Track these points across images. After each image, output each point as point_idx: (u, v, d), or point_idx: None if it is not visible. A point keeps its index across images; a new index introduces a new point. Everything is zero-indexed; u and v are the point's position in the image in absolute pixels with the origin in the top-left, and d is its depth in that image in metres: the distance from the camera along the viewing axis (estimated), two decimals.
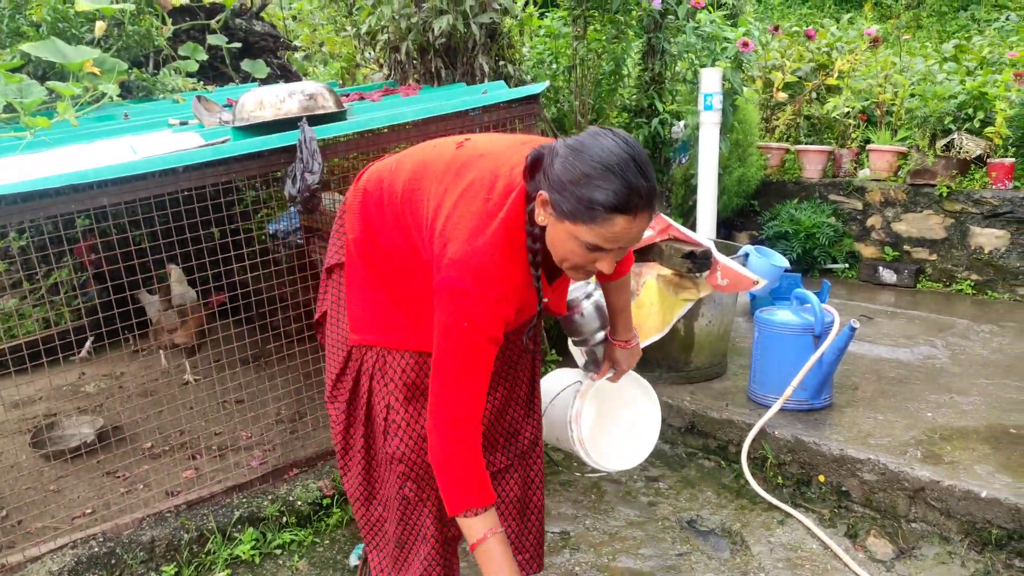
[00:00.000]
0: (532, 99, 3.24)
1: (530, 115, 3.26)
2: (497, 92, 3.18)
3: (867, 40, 5.14)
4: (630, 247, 1.54)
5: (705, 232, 4.55)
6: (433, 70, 3.75)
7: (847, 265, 5.08)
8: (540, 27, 5.13)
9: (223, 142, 2.56)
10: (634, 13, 4.54)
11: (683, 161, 5.21)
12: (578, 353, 2.42)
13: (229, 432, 3.09)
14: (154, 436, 3.12)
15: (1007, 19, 7.12)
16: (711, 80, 4.45)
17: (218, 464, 2.85)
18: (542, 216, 1.51)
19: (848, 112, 5.24)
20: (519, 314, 1.66)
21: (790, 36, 5.69)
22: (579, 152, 1.45)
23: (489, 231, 1.54)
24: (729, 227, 5.43)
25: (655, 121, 4.61)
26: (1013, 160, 4.56)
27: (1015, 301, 4.51)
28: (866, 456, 2.70)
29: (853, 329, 2.87)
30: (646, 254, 3.28)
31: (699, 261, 3.07)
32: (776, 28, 4.76)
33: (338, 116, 2.84)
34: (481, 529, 1.60)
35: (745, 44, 4.44)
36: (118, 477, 2.84)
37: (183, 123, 2.97)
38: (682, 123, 5.07)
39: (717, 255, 3.08)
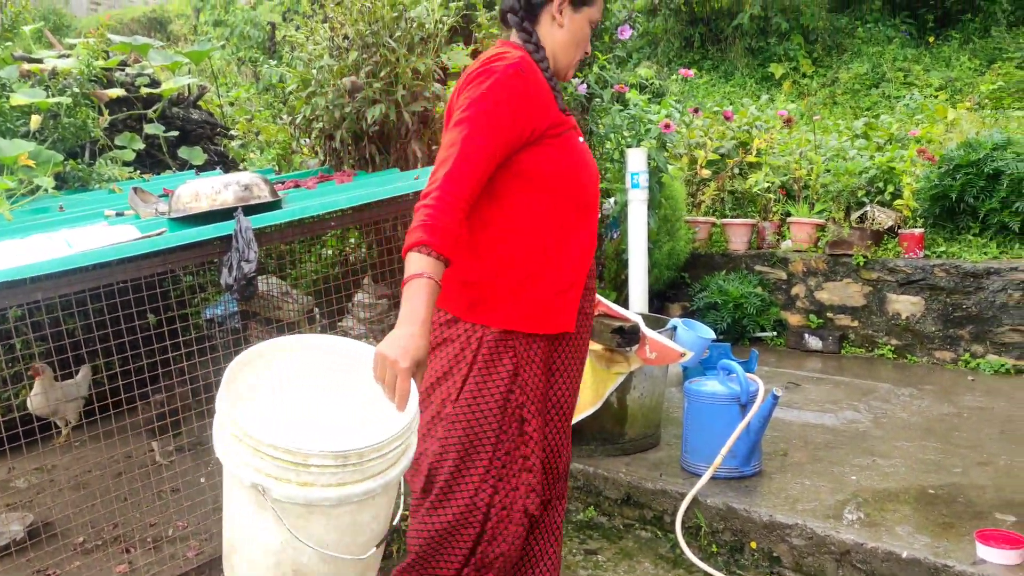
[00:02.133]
0: None
1: None
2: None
3: (781, 120, 5.45)
4: None
5: (637, 305, 4.70)
6: (367, 156, 3.87)
7: (775, 333, 5.27)
8: None
9: (159, 234, 2.61)
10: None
11: (614, 236, 5.39)
12: None
13: (164, 523, 3.05)
14: (86, 530, 3.06)
15: (911, 97, 7.60)
16: (637, 159, 4.67)
17: (152, 556, 2.80)
18: (561, 17, 1.89)
19: (768, 187, 5.52)
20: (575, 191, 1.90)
21: (711, 116, 6.00)
22: None
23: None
24: (662, 299, 5.60)
25: None
26: (922, 230, 4.84)
27: (933, 364, 4.73)
28: (794, 521, 2.80)
29: (776, 397, 3.00)
30: None
31: (628, 336, 3.18)
32: (696, 110, 5.04)
33: (273, 205, 2.92)
34: (420, 268, 1.61)
35: (667, 126, 4.67)
36: (48, 575, 2.77)
37: (119, 214, 3.01)
38: (612, 200, 5.26)
39: (645, 329, 3.20)
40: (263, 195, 2.86)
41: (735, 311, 5.13)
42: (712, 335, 3.52)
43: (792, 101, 9.80)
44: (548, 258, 1.90)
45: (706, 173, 5.61)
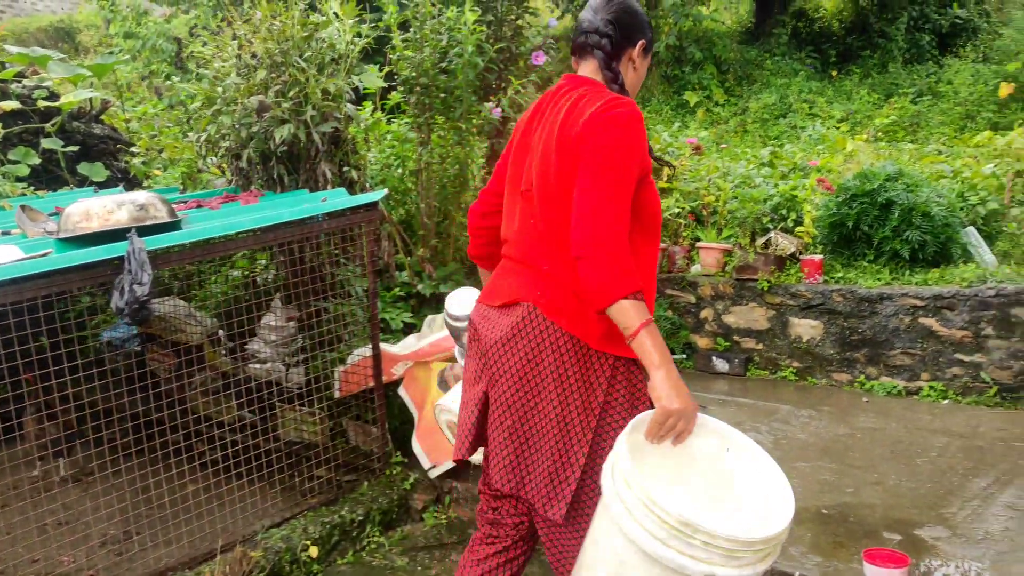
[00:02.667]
0: (372, 206, 3.35)
1: (370, 220, 3.35)
2: (337, 200, 3.26)
3: (691, 147, 5.60)
4: None
5: None
6: (276, 176, 3.80)
7: (684, 356, 5.38)
8: (387, 132, 5.30)
9: (44, 255, 2.50)
10: (475, 121, 4.78)
11: None
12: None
13: (48, 558, 2.90)
14: None
15: (814, 128, 7.91)
16: None
17: None
18: (638, 61, 2.04)
19: (679, 212, 5.64)
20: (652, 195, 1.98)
21: None
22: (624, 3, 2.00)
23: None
24: None
25: None
26: (822, 257, 5.02)
27: (831, 386, 4.90)
28: None
29: None
30: None
31: None
32: None
33: (172, 226, 2.84)
34: (642, 314, 1.74)
35: None
36: None
37: (4, 233, 2.88)
38: None
39: None
40: (160, 215, 2.78)
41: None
42: None
43: (705, 128, 10.09)
44: (649, 291, 1.96)
45: None
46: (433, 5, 4.45)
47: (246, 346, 4.02)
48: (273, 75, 3.64)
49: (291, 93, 3.58)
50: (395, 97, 5.01)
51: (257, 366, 3.97)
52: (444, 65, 4.68)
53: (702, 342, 5.39)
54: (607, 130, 1.82)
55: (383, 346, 3.52)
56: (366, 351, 3.46)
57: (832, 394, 4.73)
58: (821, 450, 3.79)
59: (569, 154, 1.87)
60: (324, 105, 3.67)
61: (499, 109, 4.75)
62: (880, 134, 8.98)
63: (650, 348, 1.73)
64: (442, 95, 4.71)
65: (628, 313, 1.73)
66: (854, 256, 5.12)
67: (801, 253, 5.13)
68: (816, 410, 4.40)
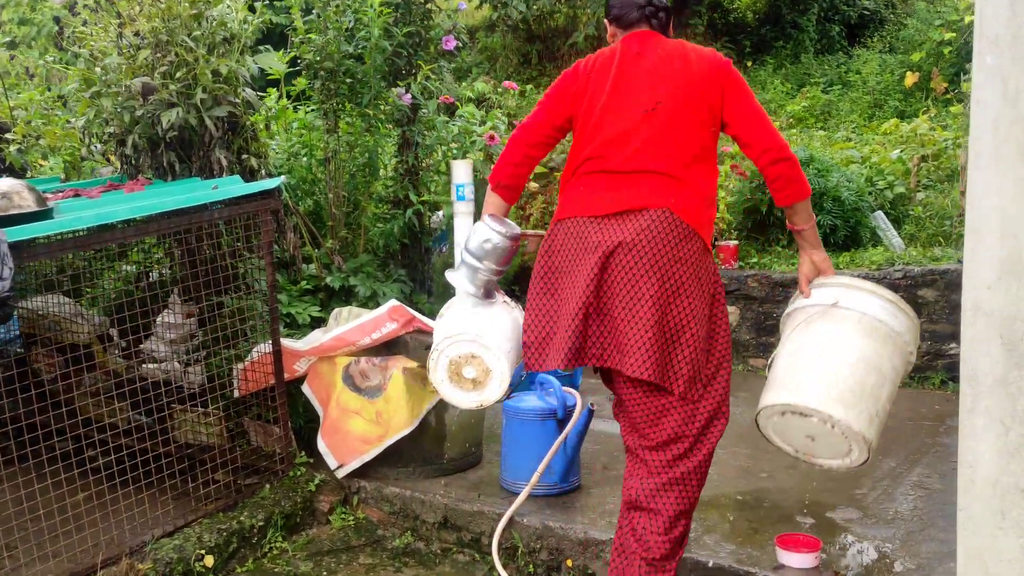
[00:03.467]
0: (269, 194, 3.16)
1: (268, 210, 3.16)
2: (229, 188, 3.07)
3: None
4: None
5: None
6: (166, 164, 3.57)
7: None
8: (294, 120, 5.09)
9: None
10: (384, 108, 4.61)
11: (443, 250, 5.28)
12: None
13: None
14: None
15: None
16: (462, 171, 4.58)
17: None
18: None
19: None
20: None
21: None
22: None
23: None
24: None
25: (408, 212, 4.66)
26: (736, 243, 5.02)
27: (747, 371, 4.91)
28: (608, 536, 2.76)
29: (591, 411, 2.97)
30: (391, 347, 3.24)
31: None
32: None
33: (40, 215, 2.61)
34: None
35: (492, 138, 4.62)
36: None
37: None
38: (439, 213, 5.16)
39: None
40: (26, 204, 2.55)
41: None
42: None
43: None
44: None
45: (534, 186, 5.62)
46: None
47: (141, 345, 3.79)
48: (159, 55, 3.41)
49: (178, 74, 3.36)
50: (301, 83, 4.80)
51: (151, 366, 3.74)
52: (350, 49, 4.50)
53: None
54: (733, 72, 2.29)
55: (285, 342, 3.34)
56: (267, 347, 3.27)
57: (749, 379, 4.73)
58: (737, 436, 3.76)
59: (711, 83, 2.26)
60: (216, 88, 3.46)
61: (409, 95, 4.59)
62: (792, 122, 9.12)
63: (816, 235, 2.34)
64: (349, 81, 4.53)
65: (808, 206, 2.31)
66: (768, 241, 5.14)
67: (717, 239, 5.12)
68: (734, 395, 4.36)
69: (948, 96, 9.96)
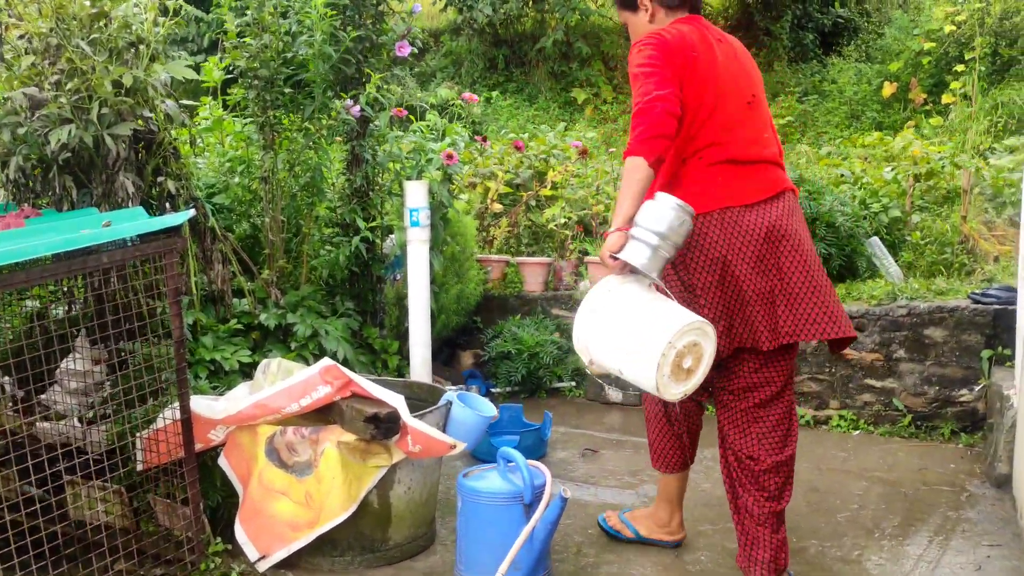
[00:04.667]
0: (172, 231, 2.62)
1: (172, 251, 2.62)
2: (122, 227, 2.51)
3: (576, 151, 5.05)
4: None
5: (418, 359, 4.10)
6: (60, 190, 3.01)
7: (574, 383, 4.83)
8: (230, 134, 4.54)
9: None
10: (325, 121, 4.08)
11: (396, 279, 4.76)
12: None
13: None
14: None
15: None
16: (416, 194, 4.07)
17: None
18: None
19: (566, 222, 5.10)
20: None
21: (506, 143, 5.52)
22: None
23: None
24: (452, 346, 5.02)
25: (356, 239, 4.12)
26: None
27: None
28: None
29: (564, 500, 2.47)
30: (325, 414, 2.71)
31: (384, 425, 2.55)
32: (484, 139, 4.50)
33: None
34: None
35: (450, 156, 4.11)
36: None
37: None
38: (392, 237, 4.65)
39: (406, 417, 2.58)
40: None
41: (530, 361, 4.64)
42: (492, 412, 2.96)
43: (593, 128, 9.63)
44: None
45: (499, 207, 5.12)
46: None
47: (41, 398, 3.22)
48: (48, 62, 2.85)
49: (69, 85, 2.80)
50: (238, 92, 4.25)
51: (47, 425, 3.17)
52: (290, 55, 3.97)
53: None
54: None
55: (198, 404, 2.79)
56: (175, 413, 2.73)
57: None
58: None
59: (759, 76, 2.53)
60: (118, 102, 2.90)
61: (358, 107, 4.06)
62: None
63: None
64: (289, 90, 3.99)
65: None
66: None
67: None
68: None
69: (927, 107, 9.66)
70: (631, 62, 2.31)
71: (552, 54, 10.94)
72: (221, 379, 3.61)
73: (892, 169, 5.18)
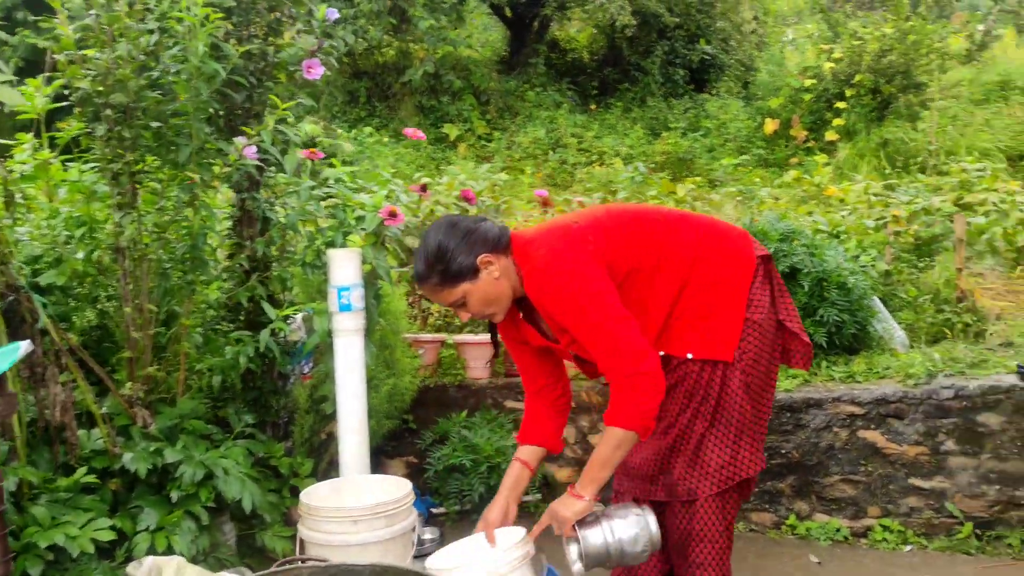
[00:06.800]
0: None
1: None
2: None
3: (539, 200, 4.09)
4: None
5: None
6: None
7: (540, 496, 3.80)
8: (63, 182, 3.23)
9: None
10: (214, 165, 2.91)
11: (305, 372, 3.59)
12: None
13: None
14: None
15: (637, 169, 6.62)
16: (345, 267, 2.96)
17: None
18: None
19: None
20: None
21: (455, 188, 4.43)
22: None
23: None
24: (379, 455, 3.86)
25: (264, 333, 2.94)
26: None
27: (752, 532, 3.56)
28: None
29: None
30: None
31: None
32: (424, 188, 3.45)
33: None
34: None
35: (392, 215, 3.02)
36: None
37: None
38: (298, 318, 3.48)
39: None
40: None
41: (490, 475, 3.58)
42: None
43: (477, 164, 8.72)
44: None
45: None
46: None
47: None
48: None
49: None
50: (76, 125, 2.99)
51: None
52: (155, 75, 2.76)
53: (562, 474, 3.84)
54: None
55: None
56: None
57: (756, 547, 3.39)
58: None
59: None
60: None
61: (254, 148, 2.91)
62: (657, 170, 8.14)
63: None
64: (154, 124, 2.79)
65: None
66: None
67: None
68: None
69: (809, 144, 9.49)
70: (557, 294, 1.99)
71: (420, 87, 10.00)
72: (64, 569, 2.33)
73: (875, 221, 4.57)
